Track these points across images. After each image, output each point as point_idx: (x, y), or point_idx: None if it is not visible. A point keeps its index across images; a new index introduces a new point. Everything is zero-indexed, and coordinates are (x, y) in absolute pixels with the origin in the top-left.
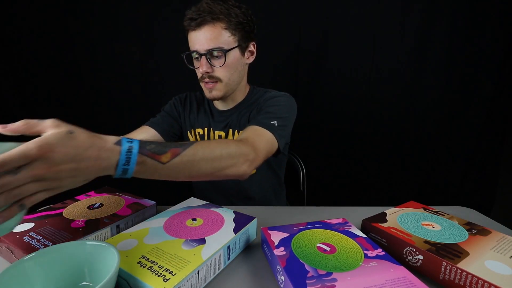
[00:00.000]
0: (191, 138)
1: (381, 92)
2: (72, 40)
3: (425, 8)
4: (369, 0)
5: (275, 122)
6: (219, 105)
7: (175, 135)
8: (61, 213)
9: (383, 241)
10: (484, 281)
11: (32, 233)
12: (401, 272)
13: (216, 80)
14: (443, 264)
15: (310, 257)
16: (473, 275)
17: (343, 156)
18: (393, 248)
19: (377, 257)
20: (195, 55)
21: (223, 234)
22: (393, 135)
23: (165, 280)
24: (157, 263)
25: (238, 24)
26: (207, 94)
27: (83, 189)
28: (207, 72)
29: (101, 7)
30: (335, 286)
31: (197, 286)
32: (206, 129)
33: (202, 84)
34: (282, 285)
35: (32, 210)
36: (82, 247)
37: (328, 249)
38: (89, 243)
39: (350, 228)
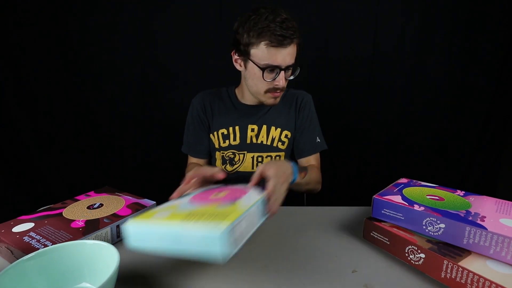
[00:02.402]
0: (214, 139)
1: (381, 93)
2: (72, 40)
3: (425, 9)
4: (369, 0)
5: (318, 138)
6: (247, 100)
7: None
8: (61, 213)
9: (385, 240)
10: (486, 279)
11: (32, 233)
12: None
13: (284, 90)
14: (445, 262)
15: (438, 205)
16: (474, 273)
17: (343, 156)
18: (395, 247)
19: (466, 194)
20: (270, 68)
21: (251, 196)
22: (393, 135)
23: (218, 223)
24: (202, 218)
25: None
26: (271, 101)
27: (83, 189)
28: (284, 86)
29: (101, 7)
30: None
31: (240, 238)
32: (231, 128)
33: (267, 94)
34: (439, 232)
35: (32, 210)
36: (82, 247)
37: (437, 198)
38: (89, 243)
39: None
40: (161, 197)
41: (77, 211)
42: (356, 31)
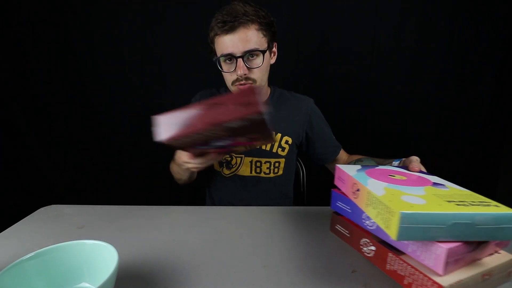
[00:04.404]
0: None
1: (380, 93)
2: (72, 42)
3: (425, 8)
4: (368, 1)
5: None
6: None
7: None
8: None
9: (346, 233)
10: (420, 272)
11: None
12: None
13: (252, 81)
14: (389, 255)
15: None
16: (412, 266)
17: None
18: (353, 239)
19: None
20: (223, 58)
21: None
22: (392, 135)
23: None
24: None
25: (267, 25)
26: None
27: (83, 189)
28: (245, 74)
29: (101, 9)
30: None
31: None
32: None
33: (234, 87)
34: (374, 227)
35: (32, 210)
36: (82, 247)
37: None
38: (89, 243)
39: None
40: (161, 197)
41: None
42: (355, 28)
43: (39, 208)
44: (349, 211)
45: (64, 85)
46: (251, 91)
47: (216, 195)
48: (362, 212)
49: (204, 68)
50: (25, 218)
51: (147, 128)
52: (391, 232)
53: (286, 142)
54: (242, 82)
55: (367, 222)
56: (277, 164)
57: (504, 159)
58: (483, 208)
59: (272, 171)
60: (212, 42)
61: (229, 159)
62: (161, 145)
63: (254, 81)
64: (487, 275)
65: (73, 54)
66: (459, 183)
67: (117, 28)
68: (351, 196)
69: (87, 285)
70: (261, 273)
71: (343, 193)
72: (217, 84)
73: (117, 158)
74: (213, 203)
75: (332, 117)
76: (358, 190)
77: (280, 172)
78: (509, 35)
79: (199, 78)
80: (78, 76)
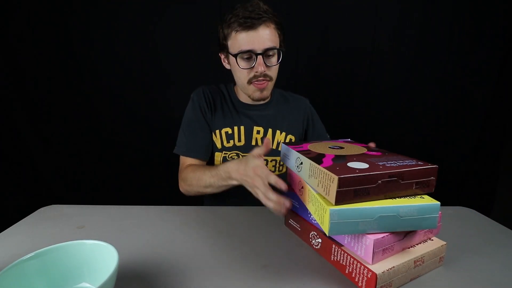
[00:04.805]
0: (216, 139)
1: (380, 93)
2: (72, 41)
3: (424, 9)
4: (368, 1)
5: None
6: (245, 99)
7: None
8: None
9: (297, 227)
10: (358, 262)
11: None
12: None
13: (269, 79)
14: (333, 246)
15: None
16: (351, 256)
17: None
18: (304, 233)
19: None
20: (242, 55)
21: None
22: (392, 135)
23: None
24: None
25: (280, 25)
26: (257, 94)
27: (83, 189)
28: (264, 71)
29: (101, 7)
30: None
31: None
32: (235, 127)
33: (250, 85)
34: (316, 221)
35: (32, 209)
36: (82, 247)
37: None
38: (89, 243)
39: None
40: (161, 197)
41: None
42: (355, 28)
43: (39, 208)
44: (298, 206)
45: (64, 85)
46: (433, 173)
47: (218, 194)
48: None
49: (204, 67)
50: (25, 218)
51: (147, 128)
52: (325, 228)
53: (290, 140)
54: (260, 78)
55: (312, 216)
56: (282, 162)
57: (504, 159)
58: (407, 200)
59: (277, 169)
60: (226, 39)
61: (235, 157)
62: (161, 146)
63: (271, 78)
64: (419, 261)
65: (72, 54)
66: (459, 183)
67: (117, 27)
68: (298, 193)
69: (87, 285)
70: (261, 273)
71: (293, 190)
72: (217, 82)
73: (117, 158)
74: (214, 203)
75: (331, 117)
76: (302, 187)
77: (284, 169)
78: (509, 36)
79: (199, 77)
80: (78, 75)
